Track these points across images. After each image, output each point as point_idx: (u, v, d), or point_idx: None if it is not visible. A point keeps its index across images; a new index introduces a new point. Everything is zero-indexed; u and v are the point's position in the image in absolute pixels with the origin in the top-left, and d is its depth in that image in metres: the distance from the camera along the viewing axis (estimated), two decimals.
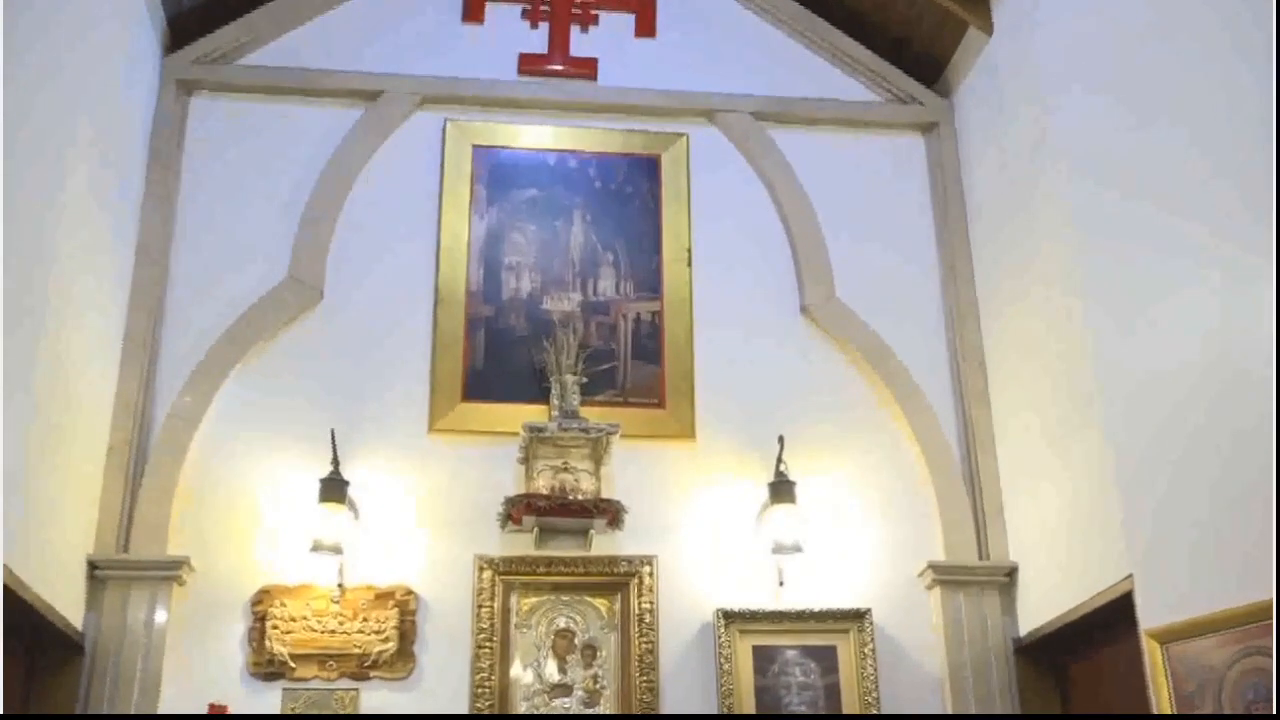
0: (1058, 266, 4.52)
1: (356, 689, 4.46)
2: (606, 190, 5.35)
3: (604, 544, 4.72)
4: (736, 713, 4.50)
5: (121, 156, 4.78)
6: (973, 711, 4.59)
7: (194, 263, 4.98)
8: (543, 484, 4.61)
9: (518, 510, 4.56)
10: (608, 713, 4.52)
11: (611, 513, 4.60)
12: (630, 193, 5.36)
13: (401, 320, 5.01)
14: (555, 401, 4.78)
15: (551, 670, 4.57)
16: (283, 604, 4.50)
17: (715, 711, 4.53)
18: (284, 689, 4.43)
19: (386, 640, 4.50)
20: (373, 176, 5.22)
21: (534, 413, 4.79)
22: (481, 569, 4.64)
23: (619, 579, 4.70)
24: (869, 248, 5.36)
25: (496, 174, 5.29)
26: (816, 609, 4.70)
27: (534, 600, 4.67)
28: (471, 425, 4.86)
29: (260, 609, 4.49)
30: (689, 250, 5.27)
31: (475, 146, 5.31)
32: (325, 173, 5.17)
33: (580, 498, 4.60)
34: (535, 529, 4.64)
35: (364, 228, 5.13)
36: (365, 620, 4.52)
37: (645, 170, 5.40)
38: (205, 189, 5.10)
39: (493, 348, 5.01)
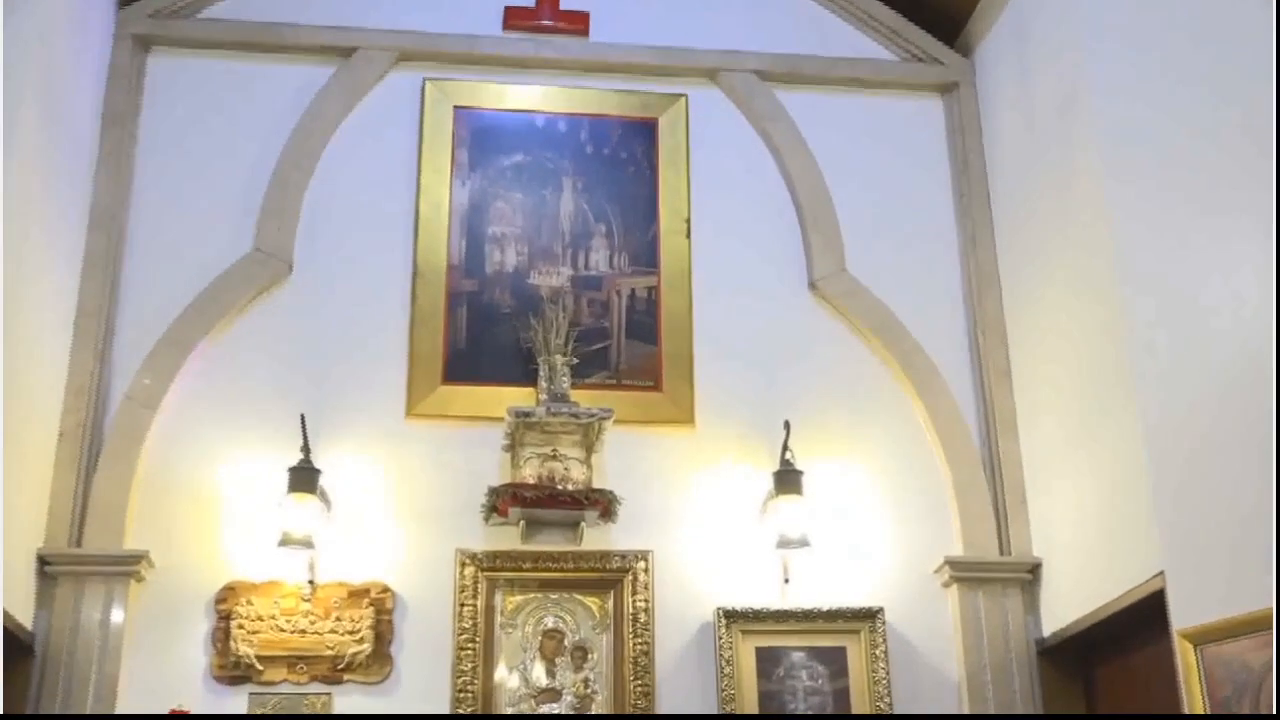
0: (1088, 237, 4.49)
1: (329, 693, 4.46)
2: (599, 155, 5.33)
3: (596, 538, 4.72)
4: (738, 713, 4.51)
5: (72, 118, 4.73)
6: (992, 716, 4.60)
7: (152, 234, 4.95)
8: (530, 473, 4.62)
9: (503, 501, 4.55)
10: (601, 713, 4.52)
11: (604, 504, 4.60)
12: (625, 158, 5.33)
13: (377, 296, 4.99)
14: (543, 384, 4.77)
15: (539, 673, 4.58)
16: (249, 602, 4.49)
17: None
18: (251, 693, 4.42)
19: (361, 641, 4.49)
20: (346, 140, 5.19)
21: (520, 396, 4.78)
22: (463, 564, 4.64)
23: (612, 575, 4.70)
24: (882, 217, 5.34)
25: (480, 137, 5.27)
26: (825, 608, 4.70)
27: (520, 598, 4.66)
28: (453, 409, 4.85)
29: (225, 607, 4.49)
30: (688, 221, 5.26)
31: (457, 108, 5.28)
32: (294, 136, 5.13)
33: (570, 488, 4.60)
34: (521, 522, 4.64)
35: (336, 196, 5.11)
36: (338, 620, 4.51)
37: (641, 134, 5.37)
38: (163, 154, 5.06)
39: (475, 326, 5.00)
